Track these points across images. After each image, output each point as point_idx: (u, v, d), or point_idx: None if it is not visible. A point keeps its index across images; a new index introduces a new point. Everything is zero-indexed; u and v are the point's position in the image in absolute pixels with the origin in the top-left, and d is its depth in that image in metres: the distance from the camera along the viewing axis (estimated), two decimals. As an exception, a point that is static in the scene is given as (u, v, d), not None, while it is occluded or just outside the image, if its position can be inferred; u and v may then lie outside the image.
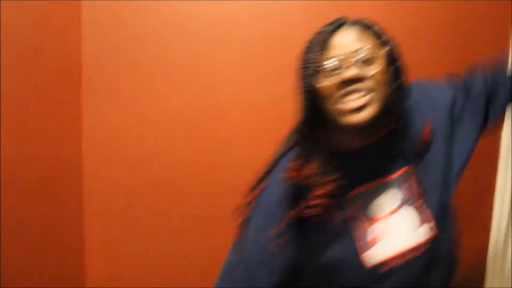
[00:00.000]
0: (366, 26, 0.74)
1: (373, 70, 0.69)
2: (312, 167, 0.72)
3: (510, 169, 1.26)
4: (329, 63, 0.69)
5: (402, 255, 0.72)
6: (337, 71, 0.69)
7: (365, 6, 1.25)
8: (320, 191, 0.71)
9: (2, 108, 1.07)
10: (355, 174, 0.74)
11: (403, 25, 1.26)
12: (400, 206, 0.74)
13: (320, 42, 0.71)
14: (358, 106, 0.68)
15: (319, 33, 0.73)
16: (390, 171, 0.75)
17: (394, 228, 0.73)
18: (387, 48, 0.74)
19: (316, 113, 0.72)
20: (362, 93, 0.68)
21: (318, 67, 0.70)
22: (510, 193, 1.26)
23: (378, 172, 0.75)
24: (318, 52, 0.70)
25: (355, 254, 0.72)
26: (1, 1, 1.05)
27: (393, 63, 0.74)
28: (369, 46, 0.70)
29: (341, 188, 0.72)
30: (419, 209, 0.74)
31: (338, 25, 0.74)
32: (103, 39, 1.29)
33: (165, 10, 1.26)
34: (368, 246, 0.72)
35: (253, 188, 0.79)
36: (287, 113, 1.28)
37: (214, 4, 1.26)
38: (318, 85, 0.70)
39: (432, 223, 0.73)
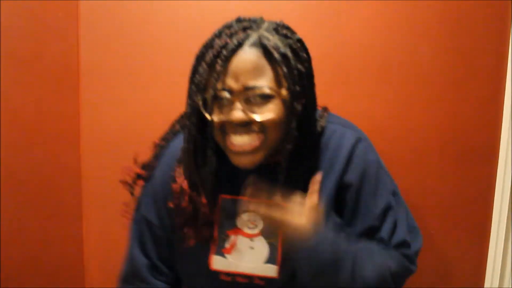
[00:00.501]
0: (269, 52, 0.63)
1: (266, 113, 0.62)
2: (198, 163, 0.69)
3: (509, 169, 1.26)
4: (219, 94, 0.63)
5: (243, 276, 0.72)
6: (226, 104, 0.64)
7: (365, 6, 1.25)
8: (194, 188, 0.70)
9: (1, 109, 1.08)
10: (237, 179, 0.71)
11: (403, 25, 1.26)
12: (259, 234, 0.73)
13: (214, 62, 0.63)
14: (243, 151, 0.64)
15: (218, 46, 0.63)
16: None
17: (249, 250, 0.72)
18: (289, 83, 0.64)
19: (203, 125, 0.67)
20: (250, 136, 0.63)
21: (207, 90, 0.63)
22: (509, 193, 1.26)
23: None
24: (210, 74, 0.63)
25: (206, 252, 0.73)
26: (1, 1, 1.05)
27: (296, 97, 0.66)
28: (266, 84, 0.62)
29: (220, 186, 0.72)
30: (274, 247, 0.72)
31: (239, 42, 0.63)
32: (101, 40, 1.29)
33: (164, 11, 1.26)
34: (221, 251, 0.73)
35: (144, 169, 0.81)
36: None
37: (213, 5, 1.26)
38: (205, 113, 0.64)
39: (277, 268, 0.71)
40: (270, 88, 0.63)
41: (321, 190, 0.69)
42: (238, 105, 0.62)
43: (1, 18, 1.05)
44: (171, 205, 0.74)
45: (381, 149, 1.30)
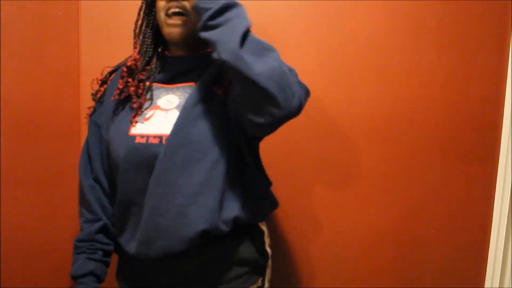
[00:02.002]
0: None
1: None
2: (143, 60, 0.97)
3: (510, 169, 1.26)
4: None
5: (155, 136, 0.89)
6: None
7: (364, 6, 1.26)
8: (138, 75, 0.96)
9: (2, 108, 1.07)
10: (166, 74, 0.97)
11: (403, 25, 1.26)
12: (174, 108, 0.92)
13: None
14: (172, 23, 0.90)
15: None
16: (186, 80, 0.95)
17: (163, 118, 0.91)
18: None
19: (153, 21, 0.96)
20: (179, 14, 0.89)
21: None
22: (510, 193, 1.26)
23: (176, 78, 0.96)
24: None
25: (128, 123, 0.92)
26: (1, 1, 1.05)
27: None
28: None
29: (151, 78, 0.96)
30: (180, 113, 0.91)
31: None
32: (101, 40, 1.29)
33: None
34: (141, 120, 0.92)
35: (100, 87, 1.03)
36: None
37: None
38: None
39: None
40: None
41: None
42: None
43: (1, 17, 1.05)
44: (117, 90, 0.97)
45: (382, 148, 1.30)
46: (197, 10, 0.81)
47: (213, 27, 0.79)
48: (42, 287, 1.20)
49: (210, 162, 0.88)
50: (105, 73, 1.03)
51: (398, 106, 1.28)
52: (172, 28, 0.91)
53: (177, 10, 0.89)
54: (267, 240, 1.02)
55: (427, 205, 1.31)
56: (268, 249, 1.01)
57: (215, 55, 0.79)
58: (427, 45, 1.26)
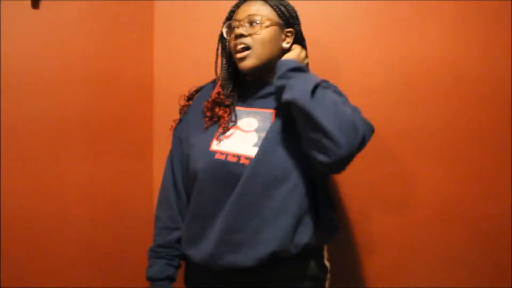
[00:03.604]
0: (265, 1, 1.03)
1: (253, 31, 0.99)
2: (226, 89, 1.06)
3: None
4: (231, 23, 1.04)
5: (233, 155, 0.98)
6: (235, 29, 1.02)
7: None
8: (225, 101, 1.05)
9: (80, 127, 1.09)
10: (247, 97, 1.07)
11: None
12: (253, 131, 1.01)
13: (232, 9, 1.07)
14: (240, 57, 1.01)
15: (236, 4, 1.07)
16: (265, 106, 1.04)
17: (242, 139, 1.00)
18: (276, 19, 1.02)
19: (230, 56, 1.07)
20: (243, 47, 1.00)
21: (228, 24, 1.05)
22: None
23: (256, 102, 1.06)
24: (229, 14, 1.06)
25: (210, 138, 1.02)
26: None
27: (287, 33, 1.04)
28: (256, 14, 1.00)
29: (235, 101, 1.06)
30: (261, 137, 0.99)
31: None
32: (174, 59, 1.37)
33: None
34: (221, 137, 1.01)
35: (186, 102, 1.13)
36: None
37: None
38: (224, 33, 1.06)
39: (254, 152, 0.97)
40: (262, 17, 1.00)
41: None
42: (239, 25, 1.01)
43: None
44: (205, 106, 1.07)
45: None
46: (279, 66, 0.97)
47: (289, 77, 0.94)
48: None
49: (288, 189, 0.95)
50: (191, 91, 1.14)
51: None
52: (241, 62, 1.01)
53: (242, 46, 1.00)
54: (325, 254, 1.08)
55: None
56: (327, 263, 1.07)
57: (286, 96, 0.91)
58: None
